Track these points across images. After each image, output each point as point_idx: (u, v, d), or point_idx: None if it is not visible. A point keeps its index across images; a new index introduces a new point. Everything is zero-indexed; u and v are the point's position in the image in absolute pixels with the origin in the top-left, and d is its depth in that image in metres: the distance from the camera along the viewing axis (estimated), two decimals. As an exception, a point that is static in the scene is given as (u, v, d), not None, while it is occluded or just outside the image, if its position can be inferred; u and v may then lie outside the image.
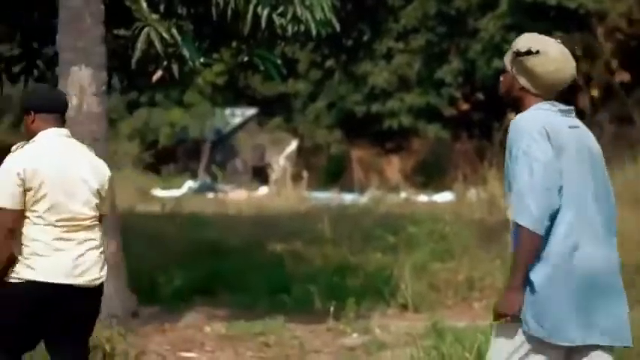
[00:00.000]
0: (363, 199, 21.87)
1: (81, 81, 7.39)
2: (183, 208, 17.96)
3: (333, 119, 34.70)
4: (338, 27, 8.82)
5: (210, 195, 26.54)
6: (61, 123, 4.50)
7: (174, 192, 26.34)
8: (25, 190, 4.25)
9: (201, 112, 34.14)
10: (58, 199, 4.30)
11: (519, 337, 3.52)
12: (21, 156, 4.34)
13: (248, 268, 10.80)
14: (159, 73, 8.39)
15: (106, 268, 4.48)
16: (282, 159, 33.86)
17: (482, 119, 29.42)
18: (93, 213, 4.42)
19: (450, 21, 31.63)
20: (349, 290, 9.24)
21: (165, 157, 33.62)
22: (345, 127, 34.18)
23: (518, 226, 3.48)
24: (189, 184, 29.95)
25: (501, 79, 3.79)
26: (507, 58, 3.74)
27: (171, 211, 17.57)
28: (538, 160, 3.48)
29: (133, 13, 7.89)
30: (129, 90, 13.46)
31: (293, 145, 35.76)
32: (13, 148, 4.43)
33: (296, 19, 8.28)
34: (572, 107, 3.72)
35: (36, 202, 4.28)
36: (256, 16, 8.12)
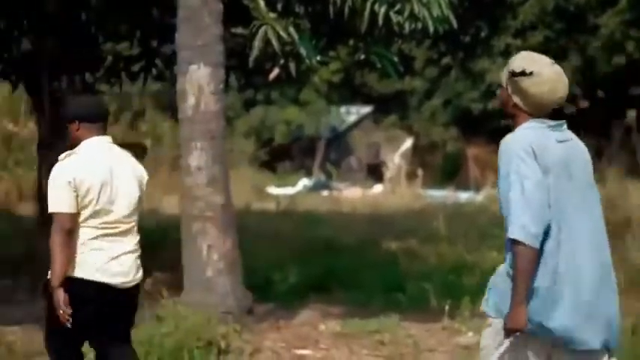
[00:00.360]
0: (479, 197, 21.62)
1: (199, 79, 7.47)
2: (298, 206, 18.07)
3: (449, 117, 34.44)
4: (455, 24, 8.72)
5: (325, 193, 26.65)
6: (104, 131, 4.75)
7: (289, 190, 26.55)
8: (76, 195, 4.55)
9: (317, 110, 34.30)
10: (102, 205, 4.61)
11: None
12: (70, 164, 4.63)
13: (363, 265, 10.78)
14: (276, 72, 8.44)
15: (142, 269, 4.80)
16: (397, 157, 33.73)
17: (601, 117, 28.71)
18: (134, 217, 4.76)
19: (569, 17, 30.95)
20: (465, 289, 9.11)
21: (281, 155, 33.90)
22: (460, 125, 33.87)
23: (513, 242, 3.63)
24: (304, 181, 30.12)
25: (498, 93, 3.96)
26: (503, 76, 3.88)
27: (286, 208, 17.69)
28: (528, 178, 3.64)
29: (251, 11, 7.95)
30: (246, 88, 13.61)
31: (408, 142, 35.58)
32: (61, 156, 4.70)
33: (413, 16, 8.21)
34: (562, 122, 3.87)
35: (83, 207, 4.58)
36: (373, 14, 8.09)
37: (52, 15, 8.88)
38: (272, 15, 7.91)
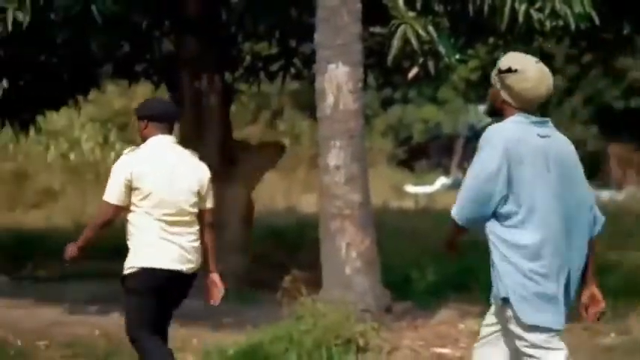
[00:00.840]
0: (621, 196, 21.03)
1: (338, 78, 7.53)
2: (437, 204, 17.97)
3: (590, 114, 33.65)
4: (597, 20, 8.51)
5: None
6: (169, 131, 5.24)
7: (427, 188, 26.44)
8: (132, 189, 5.05)
9: (455, 109, 34.03)
10: (162, 197, 5.06)
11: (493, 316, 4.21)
12: (130, 159, 5.11)
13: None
14: (414, 70, 8.42)
15: (200, 257, 5.23)
16: (536, 155, 33.07)
17: None
18: (193, 210, 5.18)
19: None
20: (607, 288, 8.87)
21: (419, 154, 33.78)
22: (601, 123, 33.03)
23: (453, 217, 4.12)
24: (442, 180, 29.92)
25: (490, 90, 4.27)
26: (493, 74, 4.20)
27: (425, 207, 17.62)
28: (486, 170, 4.00)
29: (390, 10, 7.96)
30: (384, 87, 13.66)
31: (548, 141, 34.86)
32: (125, 151, 5.23)
33: (554, 13, 8.06)
34: (546, 119, 4.18)
35: (143, 199, 5.05)
36: (514, 12, 7.98)
37: (192, 16, 9.10)
38: (411, 14, 7.90)
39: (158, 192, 5.06)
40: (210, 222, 5.31)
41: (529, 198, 4.01)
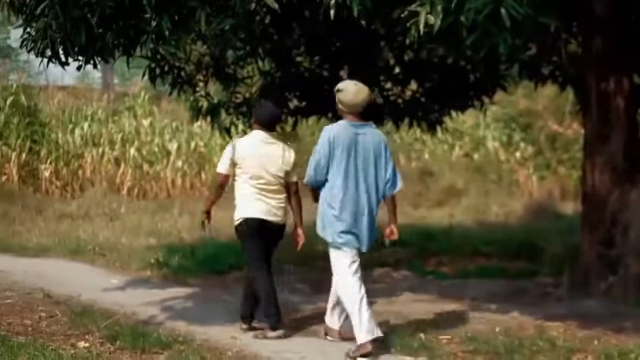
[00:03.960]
0: None
1: None
2: None
3: None
4: None
5: None
6: (267, 129, 7.59)
7: None
8: (234, 164, 7.47)
9: None
10: (256, 171, 7.45)
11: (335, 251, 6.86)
12: (237, 144, 7.57)
13: None
14: None
15: (286, 215, 7.59)
16: None
17: None
18: (279, 181, 7.51)
19: None
20: None
21: None
22: None
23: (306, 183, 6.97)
24: None
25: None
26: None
27: None
28: (319, 152, 6.77)
29: None
30: None
31: None
32: (236, 137, 7.93)
33: None
34: (365, 122, 6.86)
35: (243, 172, 7.47)
36: None
37: (600, 16, 8.87)
38: None
39: (252, 167, 7.43)
40: (294, 190, 7.60)
41: (338, 169, 6.73)
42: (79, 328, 7.49)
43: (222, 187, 7.63)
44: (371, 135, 6.81)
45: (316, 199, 6.95)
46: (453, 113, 11.67)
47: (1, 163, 20.83)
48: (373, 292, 9.45)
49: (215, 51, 9.28)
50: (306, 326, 7.79)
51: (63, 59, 7.15)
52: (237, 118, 10.37)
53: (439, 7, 5.44)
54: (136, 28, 6.68)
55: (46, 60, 7.16)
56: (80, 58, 7.22)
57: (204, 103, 9.51)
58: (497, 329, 7.39)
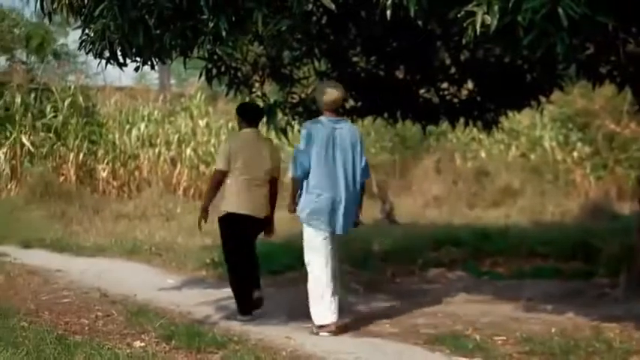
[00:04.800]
0: None
1: None
2: None
3: None
4: None
5: None
6: (254, 125, 8.27)
7: None
8: (229, 160, 8.00)
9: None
10: (245, 168, 8.01)
11: (308, 229, 7.56)
12: (229, 141, 8.49)
13: None
14: None
15: (268, 208, 8.15)
16: None
17: None
18: (265, 177, 8.11)
19: None
20: None
21: None
22: None
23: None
24: None
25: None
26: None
27: None
28: (300, 147, 7.50)
29: None
30: None
31: None
32: (226, 136, 10.31)
33: None
34: (341, 118, 7.78)
35: (234, 168, 8.00)
36: None
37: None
38: None
39: (241, 164, 7.98)
40: (274, 185, 8.20)
41: (318, 160, 7.44)
42: (135, 328, 7.56)
43: (220, 184, 8.15)
44: (347, 129, 7.64)
45: (293, 210, 7.64)
46: (510, 113, 11.59)
47: (59, 163, 21.17)
48: (428, 292, 9.48)
49: (271, 51, 9.31)
50: (361, 326, 7.79)
51: (121, 60, 7.21)
52: (293, 119, 10.39)
53: (496, 7, 5.41)
54: (194, 29, 6.72)
55: (104, 61, 7.25)
56: (138, 59, 7.28)
57: (261, 104, 9.53)
58: (552, 330, 7.34)
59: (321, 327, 7.46)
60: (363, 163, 7.65)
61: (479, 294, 9.29)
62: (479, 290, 9.48)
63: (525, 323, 7.77)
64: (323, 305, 7.45)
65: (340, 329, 7.54)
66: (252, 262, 8.18)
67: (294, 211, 7.60)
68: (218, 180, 8.12)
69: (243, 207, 7.98)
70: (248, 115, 8.26)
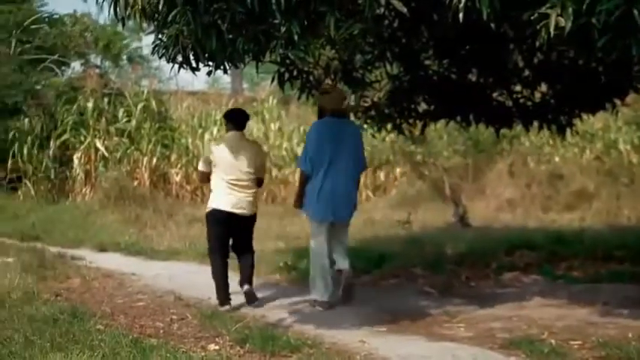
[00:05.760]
0: None
1: None
2: None
3: None
4: None
5: None
6: (240, 129, 8.97)
7: None
8: (212, 162, 8.81)
9: None
10: (228, 169, 8.73)
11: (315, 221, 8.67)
12: (214, 145, 9.03)
13: None
14: None
15: (254, 207, 8.93)
16: None
17: None
18: (249, 177, 8.82)
19: None
20: None
21: None
22: None
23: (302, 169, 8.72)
24: None
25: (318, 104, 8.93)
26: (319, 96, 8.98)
27: None
28: (310, 144, 8.58)
29: None
30: None
31: None
32: (212, 141, 9.45)
33: None
34: (344, 118, 8.76)
35: (218, 169, 8.75)
36: None
37: None
38: None
39: (225, 165, 8.72)
40: (260, 185, 9.02)
41: (325, 157, 8.44)
42: (209, 331, 7.64)
43: (203, 182, 9.33)
44: (350, 127, 8.81)
45: (299, 205, 8.80)
46: (584, 116, 11.44)
47: (133, 167, 21.49)
48: (503, 296, 9.40)
49: (343, 55, 9.33)
50: (435, 330, 7.77)
51: (194, 65, 7.30)
52: (366, 122, 10.41)
53: (570, 9, 5.36)
54: (266, 34, 6.76)
55: (177, 66, 7.34)
56: (210, 63, 7.36)
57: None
58: (629, 335, 7.21)
59: (319, 302, 8.71)
60: (362, 158, 8.77)
61: (554, 298, 9.18)
62: (554, 294, 9.37)
63: (601, 328, 7.65)
64: (323, 282, 8.65)
65: (332, 306, 8.70)
66: (246, 259, 9.13)
67: (300, 206, 8.80)
68: (201, 179, 9.36)
69: (226, 204, 8.73)
70: (234, 120, 9.00)
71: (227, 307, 8.67)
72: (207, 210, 8.86)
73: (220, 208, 8.73)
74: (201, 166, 9.06)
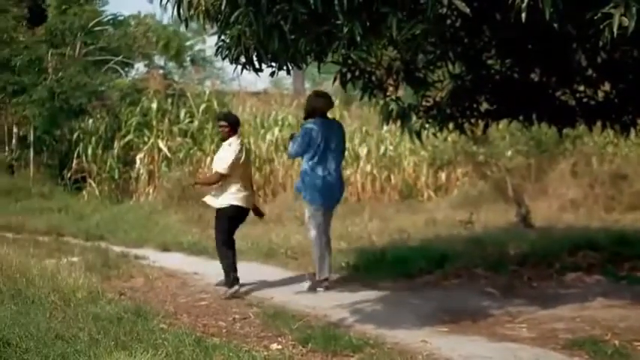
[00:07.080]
0: None
1: None
2: None
3: None
4: None
5: None
6: (239, 133, 10.11)
7: None
8: (234, 165, 9.79)
9: None
10: (244, 169, 10.00)
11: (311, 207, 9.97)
12: (235, 151, 9.94)
13: None
14: None
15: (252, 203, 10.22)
16: None
17: None
18: (251, 176, 10.43)
19: None
20: None
21: None
22: None
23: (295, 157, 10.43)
24: None
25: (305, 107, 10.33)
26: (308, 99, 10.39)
27: None
28: (303, 137, 9.81)
29: None
30: None
31: None
32: (225, 145, 10.12)
33: None
34: (331, 119, 10.34)
35: (236, 170, 9.78)
36: None
37: None
38: None
39: (242, 167, 9.91)
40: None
41: (318, 152, 9.70)
42: (271, 330, 7.71)
43: (219, 181, 9.97)
44: (337, 126, 10.20)
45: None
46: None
47: (196, 168, 21.66)
48: (565, 297, 9.32)
49: (406, 55, 9.31)
50: (497, 330, 7.74)
51: (256, 65, 7.36)
52: (428, 122, 10.39)
53: (634, 9, 5.31)
54: (328, 34, 6.79)
55: (239, 66, 7.41)
56: (273, 64, 7.42)
57: (395, 107, 9.56)
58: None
59: (321, 281, 9.85)
60: (344, 149, 10.17)
61: (617, 298, 9.08)
62: (617, 295, 9.26)
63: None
64: (324, 263, 9.85)
65: (332, 284, 9.97)
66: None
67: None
68: (218, 180, 10.04)
69: (241, 201, 9.92)
70: (237, 125, 10.09)
71: (237, 286, 9.75)
72: (224, 206, 9.93)
73: (237, 204, 9.92)
74: (225, 170, 9.98)
